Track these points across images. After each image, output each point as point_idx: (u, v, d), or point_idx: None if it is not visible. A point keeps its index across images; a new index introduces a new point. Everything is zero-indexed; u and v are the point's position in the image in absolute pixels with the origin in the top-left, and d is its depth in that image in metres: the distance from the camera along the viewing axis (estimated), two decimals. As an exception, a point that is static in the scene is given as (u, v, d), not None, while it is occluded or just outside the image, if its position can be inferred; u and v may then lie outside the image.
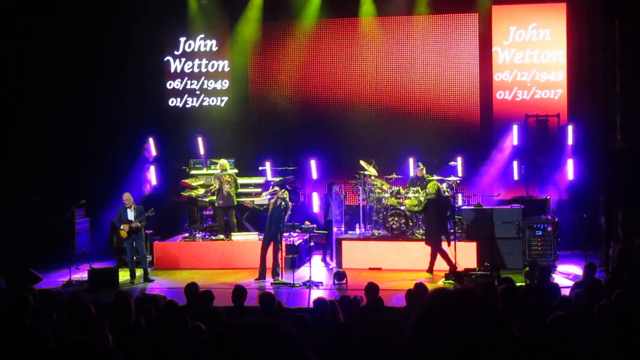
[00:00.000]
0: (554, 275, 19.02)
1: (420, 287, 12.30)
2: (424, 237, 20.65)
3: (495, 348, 2.64)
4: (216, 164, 23.85)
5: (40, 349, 5.92)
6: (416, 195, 21.60)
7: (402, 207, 21.83)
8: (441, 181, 22.74)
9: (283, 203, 20.00)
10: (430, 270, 20.07)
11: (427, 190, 20.94)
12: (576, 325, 9.68)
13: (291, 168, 24.30)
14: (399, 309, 13.29)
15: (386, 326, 10.74)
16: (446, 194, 21.50)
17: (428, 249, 20.25)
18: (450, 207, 20.65)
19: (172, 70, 26.68)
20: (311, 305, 13.30)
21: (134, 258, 20.66)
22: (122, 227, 20.43)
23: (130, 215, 20.51)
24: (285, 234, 20.83)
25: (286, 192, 20.43)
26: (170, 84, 26.69)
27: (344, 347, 9.81)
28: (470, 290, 2.75)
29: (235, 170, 23.03)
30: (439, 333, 2.64)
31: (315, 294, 17.90)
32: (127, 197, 20.63)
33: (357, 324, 10.50)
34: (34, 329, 6.20)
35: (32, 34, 23.71)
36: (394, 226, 21.61)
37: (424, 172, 22.83)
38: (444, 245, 20.02)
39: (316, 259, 21.84)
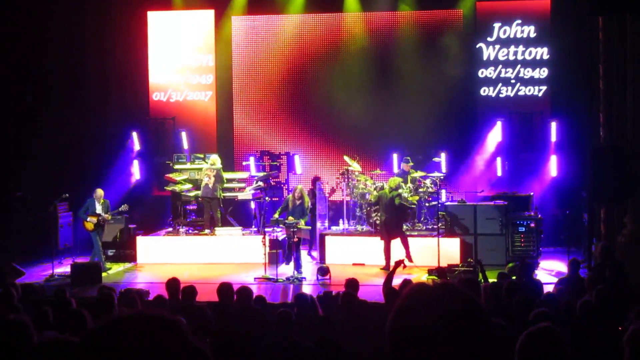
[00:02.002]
0: (537, 272, 19.10)
1: (404, 283, 12.32)
2: (381, 231, 20.71)
3: (475, 342, 2.64)
4: (201, 158, 23.87)
5: (24, 344, 5.90)
6: (399, 190, 21.61)
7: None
8: (425, 177, 22.83)
9: (310, 206, 20.19)
10: (409, 258, 20.10)
11: (385, 185, 21.06)
12: (559, 322, 9.71)
13: (275, 163, 24.29)
14: (379, 305, 13.29)
15: (364, 321, 10.77)
16: (409, 194, 21.61)
17: (411, 243, 20.36)
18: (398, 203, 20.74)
19: (157, 64, 26.61)
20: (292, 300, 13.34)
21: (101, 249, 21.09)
22: (89, 219, 20.76)
23: (99, 208, 20.86)
24: (268, 229, 20.83)
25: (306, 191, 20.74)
26: (154, 78, 26.59)
27: (322, 341, 9.82)
28: (450, 284, 2.76)
29: (219, 166, 22.95)
30: (419, 327, 2.64)
31: (299, 289, 17.94)
32: (100, 192, 21.15)
33: (335, 319, 10.51)
34: (17, 324, 6.16)
35: (16, 29, 23.59)
36: (377, 222, 21.62)
37: (409, 167, 22.85)
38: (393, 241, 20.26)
39: (302, 254, 21.81)
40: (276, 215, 20.26)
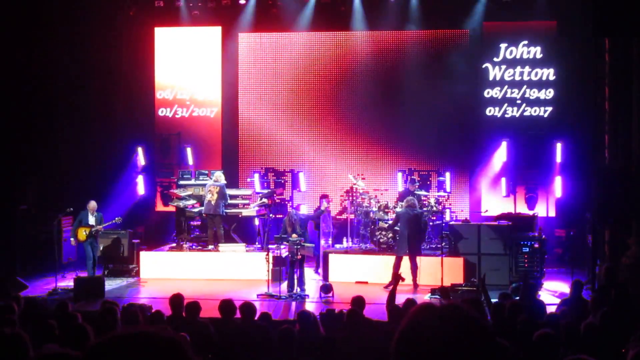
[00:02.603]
0: (540, 293, 19.06)
1: (408, 302, 12.30)
2: (398, 249, 20.61)
3: None
4: (205, 174, 23.88)
5: (21, 357, 5.90)
6: (422, 210, 21.57)
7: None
8: (428, 196, 22.87)
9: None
10: (415, 282, 20.06)
11: (402, 203, 21.07)
12: (562, 344, 9.69)
13: (280, 180, 24.32)
14: (382, 324, 13.25)
15: (370, 340, 10.73)
16: (422, 209, 21.57)
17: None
18: (423, 222, 20.76)
19: (163, 80, 26.66)
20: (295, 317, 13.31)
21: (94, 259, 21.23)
22: (83, 231, 21.00)
23: (91, 220, 21.05)
24: (272, 246, 20.82)
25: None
26: (160, 94, 26.65)
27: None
28: (456, 304, 2.74)
29: (223, 182, 22.90)
30: (424, 347, 2.63)
31: (302, 306, 17.91)
32: (93, 204, 21.26)
33: (337, 338, 10.48)
34: (13, 338, 6.17)
35: (20, 44, 23.64)
36: (381, 240, 21.61)
37: (416, 187, 22.87)
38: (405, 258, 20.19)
39: (307, 271, 21.77)
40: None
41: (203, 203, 23.03)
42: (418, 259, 20.22)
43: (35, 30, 23.92)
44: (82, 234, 20.92)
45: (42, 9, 24.03)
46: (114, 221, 21.38)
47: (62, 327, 10.32)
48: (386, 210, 22.18)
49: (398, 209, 21.15)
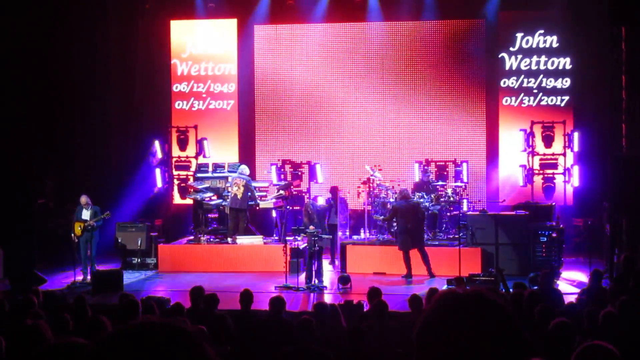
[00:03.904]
0: (558, 282, 19.03)
1: (431, 291, 12.32)
2: (401, 244, 20.61)
3: (505, 351, 2.61)
4: (222, 167, 23.90)
5: (39, 346, 5.97)
6: (420, 200, 21.55)
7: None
8: (445, 187, 22.90)
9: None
10: (431, 273, 20.07)
11: (397, 195, 21.07)
12: (581, 332, 9.69)
13: (296, 172, 24.33)
14: (402, 314, 13.28)
15: (391, 331, 10.75)
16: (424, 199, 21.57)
17: (432, 253, 20.29)
18: (421, 211, 20.75)
19: (179, 72, 26.70)
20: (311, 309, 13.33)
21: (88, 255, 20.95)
22: (78, 226, 20.79)
23: (85, 215, 20.80)
24: (289, 238, 20.84)
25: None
26: (176, 87, 26.70)
27: (350, 352, 9.79)
28: (480, 292, 2.71)
29: (248, 176, 22.82)
30: (448, 335, 2.62)
31: (320, 298, 17.95)
32: (84, 199, 20.90)
33: (362, 329, 10.50)
34: (34, 328, 6.27)
35: (38, 38, 23.71)
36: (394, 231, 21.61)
37: (431, 177, 22.92)
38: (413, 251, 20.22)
39: (324, 263, 21.80)
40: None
41: (220, 195, 23.05)
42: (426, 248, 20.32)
43: (53, 25, 23.99)
44: (78, 229, 20.82)
45: (59, 4, 24.08)
46: (103, 216, 20.89)
47: (78, 320, 10.38)
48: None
49: (394, 202, 21.21)
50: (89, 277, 20.46)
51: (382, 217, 21.78)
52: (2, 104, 22.74)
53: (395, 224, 21.30)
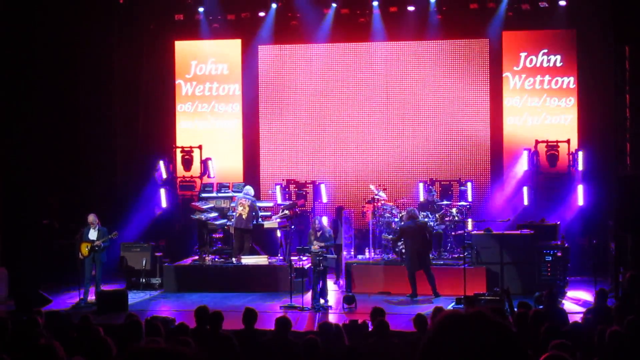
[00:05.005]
0: (563, 301, 18.99)
1: (436, 310, 12.31)
2: (409, 265, 20.57)
3: None
4: (227, 187, 23.92)
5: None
6: (425, 220, 21.53)
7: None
8: (450, 206, 22.87)
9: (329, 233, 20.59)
10: (436, 293, 20.05)
11: (404, 215, 21.06)
12: (588, 351, 9.66)
13: (301, 192, 24.32)
14: (406, 334, 13.25)
15: (393, 350, 10.73)
16: (429, 220, 21.54)
17: (437, 273, 20.26)
18: (428, 231, 20.76)
19: (184, 93, 26.75)
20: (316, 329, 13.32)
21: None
22: (85, 246, 20.60)
23: (92, 235, 20.62)
24: (294, 258, 20.83)
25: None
26: (181, 107, 26.76)
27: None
28: (483, 312, 2.71)
29: (253, 198, 22.82)
30: (451, 356, 2.62)
31: (324, 317, 17.91)
32: (91, 218, 20.72)
33: (362, 348, 10.48)
34: (48, 349, 6.28)
35: (43, 57, 23.78)
36: (403, 250, 21.55)
37: (434, 197, 22.95)
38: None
39: (329, 282, 21.80)
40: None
41: (225, 215, 23.06)
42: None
43: (59, 44, 24.06)
44: (85, 249, 20.76)
45: (65, 25, 24.15)
46: (110, 236, 20.88)
47: (83, 340, 10.37)
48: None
49: (401, 223, 21.19)
50: (89, 297, 20.43)
51: (392, 236, 21.75)
52: (8, 125, 22.79)
53: (401, 244, 21.28)
